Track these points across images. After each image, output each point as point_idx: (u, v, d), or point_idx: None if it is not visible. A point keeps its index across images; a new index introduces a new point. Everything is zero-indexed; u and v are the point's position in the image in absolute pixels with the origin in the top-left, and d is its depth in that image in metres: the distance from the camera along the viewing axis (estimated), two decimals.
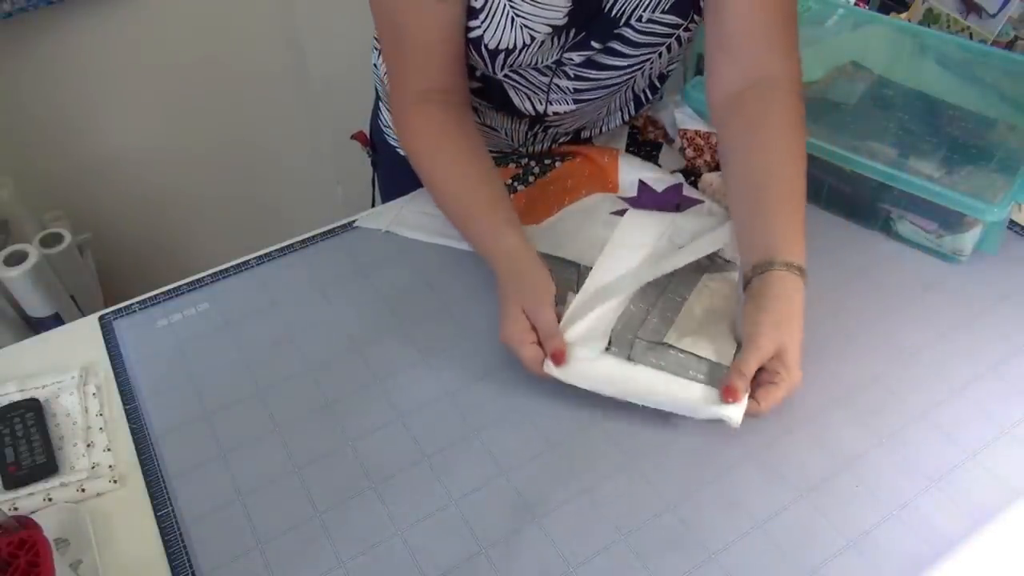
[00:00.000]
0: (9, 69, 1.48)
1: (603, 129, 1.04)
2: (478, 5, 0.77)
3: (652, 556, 0.63)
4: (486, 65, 0.84)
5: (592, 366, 0.73)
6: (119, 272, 1.79)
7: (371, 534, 0.66)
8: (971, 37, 1.11)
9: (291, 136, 1.89)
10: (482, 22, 0.78)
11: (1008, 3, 1.06)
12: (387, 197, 1.16)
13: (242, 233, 1.91)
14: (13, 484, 0.68)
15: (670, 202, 0.91)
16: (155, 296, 0.87)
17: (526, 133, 0.99)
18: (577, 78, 0.88)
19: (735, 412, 0.68)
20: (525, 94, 0.91)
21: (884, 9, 1.31)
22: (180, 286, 0.88)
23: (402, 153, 1.02)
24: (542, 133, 1.00)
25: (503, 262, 0.78)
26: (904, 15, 1.20)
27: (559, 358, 0.72)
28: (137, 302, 0.86)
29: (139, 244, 1.83)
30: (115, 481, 0.70)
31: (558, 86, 0.89)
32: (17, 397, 0.75)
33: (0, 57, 1.46)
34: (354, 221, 0.95)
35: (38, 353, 0.82)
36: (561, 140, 1.03)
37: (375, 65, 1.04)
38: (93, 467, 0.70)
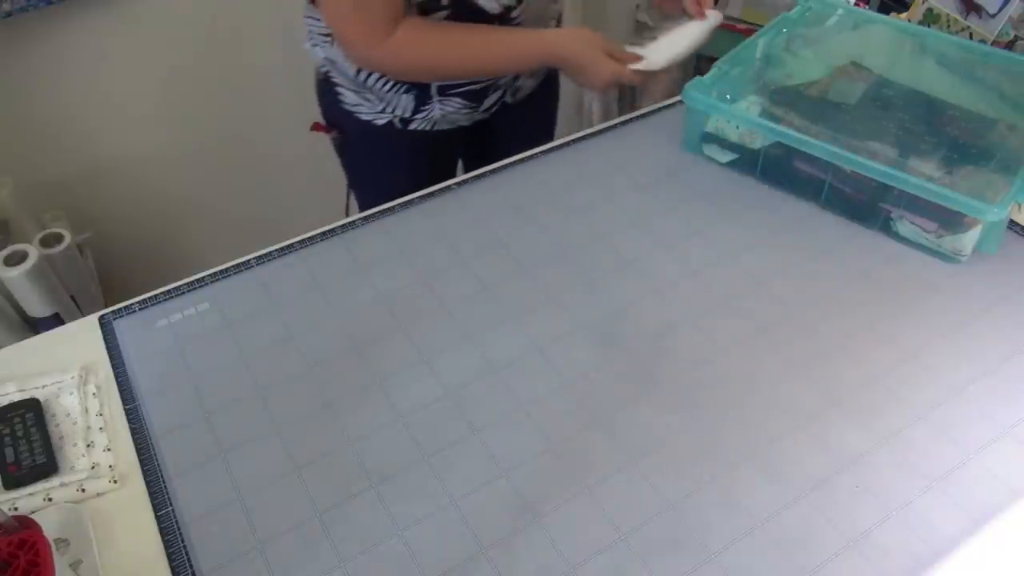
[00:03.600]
0: (9, 69, 1.48)
1: (546, 23, 1.09)
2: None
3: (652, 556, 0.63)
4: None
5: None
6: (119, 272, 1.79)
7: (371, 534, 0.66)
8: (971, 37, 1.11)
9: (290, 136, 1.89)
10: None
11: (1008, 3, 1.06)
12: (358, 175, 1.22)
13: (242, 233, 1.91)
14: (13, 484, 0.68)
15: None
16: (155, 296, 0.87)
17: None
18: None
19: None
20: None
21: (884, 9, 1.31)
22: (180, 286, 0.88)
23: (380, 123, 1.09)
24: None
25: (553, 38, 0.97)
26: (904, 15, 1.20)
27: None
28: (137, 302, 0.86)
29: (139, 244, 1.83)
30: (115, 481, 0.70)
31: None
32: (17, 397, 0.75)
33: (0, 57, 1.45)
34: (354, 221, 0.95)
35: (38, 353, 0.82)
36: None
37: (325, 56, 1.07)
38: (93, 467, 0.70)
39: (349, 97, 1.09)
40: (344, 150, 1.19)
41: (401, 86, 1.04)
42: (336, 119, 1.14)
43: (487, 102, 1.11)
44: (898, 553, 0.63)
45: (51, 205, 1.63)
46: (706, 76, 0.98)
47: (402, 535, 0.66)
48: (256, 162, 1.89)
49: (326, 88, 1.12)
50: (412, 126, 1.09)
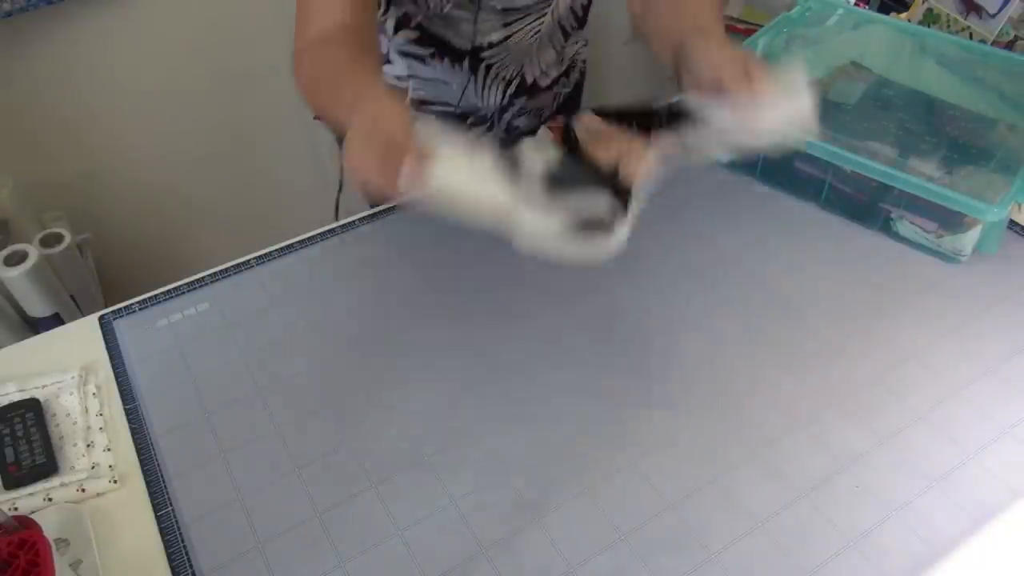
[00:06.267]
0: (9, 69, 1.48)
1: (542, 68, 1.05)
2: None
3: (652, 556, 0.63)
4: (419, 6, 0.89)
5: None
6: (119, 272, 1.79)
7: (371, 534, 0.66)
8: (971, 37, 1.11)
9: (291, 136, 1.89)
10: None
11: (1008, 3, 1.06)
12: None
13: (242, 233, 1.91)
14: (13, 484, 0.68)
15: None
16: (155, 296, 0.87)
17: (470, 77, 1.01)
18: (504, 11, 0.92)
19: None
20: (457, 29, 0.94)
21: (884, 9, 1.31)
22: (180, 286, 0.88)
23: None
24: (485, 76, 1.01)
25: (363, 102, 0.68)
26: (904, 15, 1.20)
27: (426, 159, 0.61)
28: (137, 302, 0.86)
29: (139, 244, 1.83)
30: (115, 481, 0.70)
31: (486, 20, 0.93)
32: (17, 397, 0.75)
33: (0, 57, 1.45)
34: (353, 221, 0.95)
35: (38, 353, 0.82)
36: (509, 93, 1.05)
37: None
38: (93, 467, 0.70)
39: None
40: (340, 144, 1.19)
41: None
42: None
43: (471, 133, 1.09)
44: (898, 553, 0.63)
45: (51, 205, 1.63)
46: None
47: (402, 535, 0.66)
48: (256, 162, 1.89)
49: None
50: None
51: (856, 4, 1.28)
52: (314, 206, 2.02)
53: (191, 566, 0.64)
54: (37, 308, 1.45)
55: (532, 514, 0.67)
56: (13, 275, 1.38)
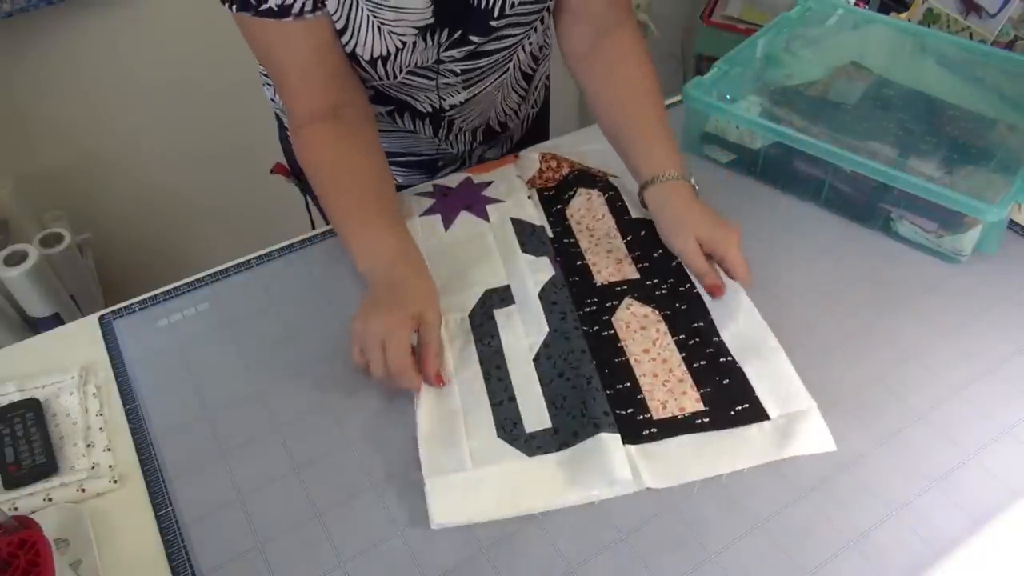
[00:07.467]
0: (9, 69, 1.48)
1: (506, 112, 1.03)
2: (340, 25, 0.79)
3: (652, 556, 0.63)
4: (370, 75, 0.85)
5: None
6: (119, 272, 1.79)
7: (371, 534, 0.66)
8: (971, 37, 1.11)
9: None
10: (350, 37, 0.80)
11: (1008, 3, 1.06)
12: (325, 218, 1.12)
13: (242, 233, 1.91)
14: (13, 484, 0.68)
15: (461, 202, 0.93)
16: (155, 296, 0.87)
17: (435, 129, 0.99)
18: (464, 72, 0.89)
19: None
20: (417, 96, 0.92)
21: (884, 9, 1.31)
22: (180, 286, 0.88)
23: None
24: (449, 128, 0.99)
25: (388, 260, 0.79)
26: (904, 15, 1.20)
27: (441, 380, 0.75)
28: (137, 302, 0.86)
29: (139, 244, 1.83)
30: (115, 481, 0.70)
31: (447, 84, 0.90)
32: (17, 397, 0.75)
33: (0, 57, 1.46)
34: None
35: (38, 353, 0.82)
36: (478, 140, 1.04)
37: (272, 100, 1.04)
38: (93, 467, 0.70)
39: None
40: (305, 192, 1.13)
41: None
42: (292, 162, 1.09)
43: (440, 173, 1.06)
44: (898, 553, 0.63)
45: (51, 205, 1.63)
46: (706, 76, 0.98)
47: (402, 535, 0.66)
48: (256, 162, 1.89)
49: (283, 131, 1.08)
50: None
51: (856, 4, 1.28)
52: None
53: (191, 566, 0.64)
54: (37, 308, 1.45)
55: (532, 514, 0.66)
56: (13, 275, 1.38)
